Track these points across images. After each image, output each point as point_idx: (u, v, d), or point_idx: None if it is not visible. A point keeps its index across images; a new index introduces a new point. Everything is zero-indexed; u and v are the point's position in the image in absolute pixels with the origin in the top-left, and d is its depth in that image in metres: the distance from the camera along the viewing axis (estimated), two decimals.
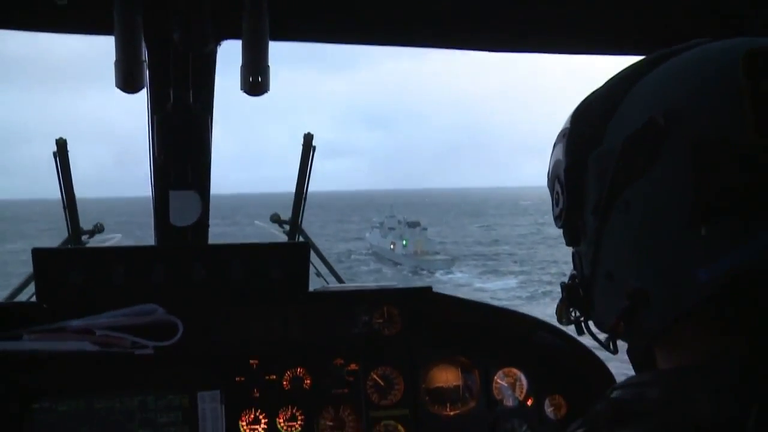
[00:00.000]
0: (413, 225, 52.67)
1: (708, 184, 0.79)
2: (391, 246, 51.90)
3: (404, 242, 50.52)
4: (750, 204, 0.78)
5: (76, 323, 2.32)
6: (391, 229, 54.08)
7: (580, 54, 2.24)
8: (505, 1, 1.89)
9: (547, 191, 1.07)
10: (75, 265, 2.36)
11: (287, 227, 3.23)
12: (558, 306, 1.07)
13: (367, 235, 60.80)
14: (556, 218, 1.04)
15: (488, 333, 2.74)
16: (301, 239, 3.24)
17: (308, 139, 2.96)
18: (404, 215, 56.60)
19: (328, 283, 3.28)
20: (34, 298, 2.49)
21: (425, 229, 54.32)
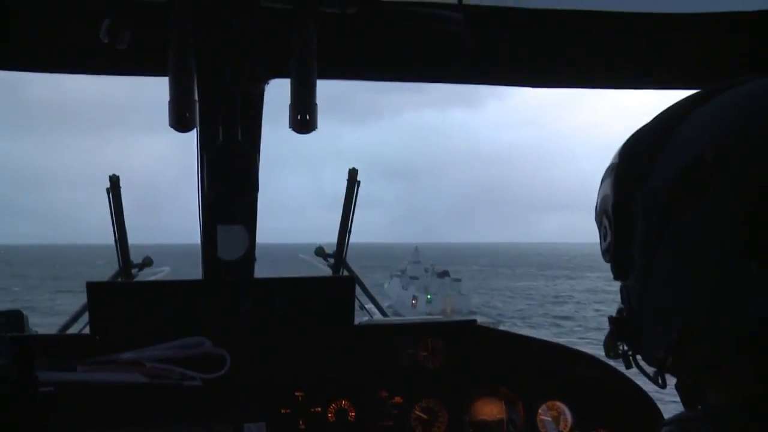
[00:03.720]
0: (442, 275, 42.42)
1: (758, 219, 0.79)
2: (413, 302, 39.58)
3: (428, 297, 39.16)
4: None
5: (127, 355, 2.37)
6: (414, 278, 43.31)
7: (627, 89, 2.26)
8: (556, 40, 1.94)
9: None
10: (126, 298, 2.43)
11: (332, 260, 3.28)
12: (606, 339, 1.06)
13: (386, 286, 47.47)
14: (604, 252, 1.04)
15: (532, 367, 2.73)
16: (346, 273, 3.29)
17: (353, 174, 3.03)
18: (432, 263, 44.93)
19: (372, 316, 3.30)
20: (86, 330, 2.57)
21: (458, 280, 43.27)
